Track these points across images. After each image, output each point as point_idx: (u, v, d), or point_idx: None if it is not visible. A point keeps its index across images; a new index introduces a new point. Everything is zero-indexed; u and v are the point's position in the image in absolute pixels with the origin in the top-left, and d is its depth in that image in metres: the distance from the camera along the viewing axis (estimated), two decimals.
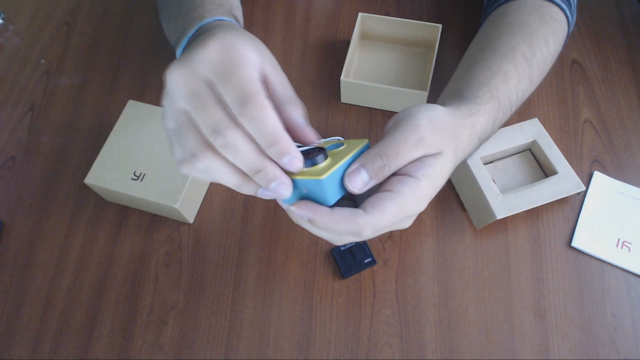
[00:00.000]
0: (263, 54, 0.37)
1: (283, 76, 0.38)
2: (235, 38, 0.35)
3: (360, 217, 0.35)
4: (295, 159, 0.34)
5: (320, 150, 0.37)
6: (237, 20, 0.48)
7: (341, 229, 0.36)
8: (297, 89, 0.67)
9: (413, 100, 0.62)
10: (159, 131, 0.58)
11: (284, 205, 0.38)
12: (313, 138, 0.37)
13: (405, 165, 0.37)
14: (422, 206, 0.37)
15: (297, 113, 0.37)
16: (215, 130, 0.33)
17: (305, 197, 0.37)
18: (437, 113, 0.39)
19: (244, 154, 0.33)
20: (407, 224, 0.40)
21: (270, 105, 0.33)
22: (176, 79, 0.35)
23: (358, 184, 0.36)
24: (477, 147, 0.45)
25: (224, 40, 0.35)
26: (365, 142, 0.39)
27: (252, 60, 0.35)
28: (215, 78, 0.34)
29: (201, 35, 0.39)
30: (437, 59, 0.66)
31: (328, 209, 0.36)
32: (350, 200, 0.41)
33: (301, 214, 0.36)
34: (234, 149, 0.33)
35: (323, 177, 0.34)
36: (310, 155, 0.36)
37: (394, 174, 0.37)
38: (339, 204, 0.38)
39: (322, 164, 0.36)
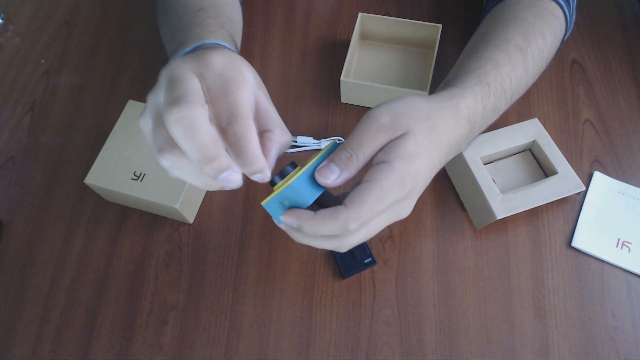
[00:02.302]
0: (259, 82, 0.39)
1: (273, 106, 0.40)
2: (237, 58, 0.37)
3: (341, 212, 0.36)
4: (266, 177, 0.36)
5: (291, 163, 0.39)
6: (236, 45, 0.49)
7: (327, 228, 0.37)
8: (297, 89, 0.68)
9: None
10: None
11: (281, 226, 0.40)
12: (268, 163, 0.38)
13: (378, 154, 0.38)
14: (405, 188, 0.37)
15: (278, 139, 0.38)
16: (176, 101, 0.32)
17: (290, 207, 0.39)
18: (401, 101, 0.40)
19: (200, 135, 0.32)
20: (404, 212, 0.40)
21: (254, 130, 0.35)
22: (168, 71, 0.35)
23: (330, 177, 0.37)
24: (471, 130, 0.44)
25: (228, 57, 0.36)
26: (332, 143, 0.41)
27: (250, 83, 0.37)
28: (211, 87, 0.35)
29: (201, 49, 0.40)
30: (437, 59, 0.66)
31: (311, 212, 0.37)
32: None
33: (288, 222, 0.38)
34: (188, 127, 0.32)
35: (292, 180, 0.36)
36: (281, 170, 0.38)
37: (371, 165, 0.38)
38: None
39: (292, 173, 0.38)
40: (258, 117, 0.39)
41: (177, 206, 0.54)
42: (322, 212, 0.37)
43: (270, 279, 0.56)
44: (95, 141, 0.65)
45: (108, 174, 0.55)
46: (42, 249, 0.59)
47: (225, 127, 0.34)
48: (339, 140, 0.63)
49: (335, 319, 0.54)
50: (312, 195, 0.38)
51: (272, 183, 0.38)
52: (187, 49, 0.45)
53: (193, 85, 0.34)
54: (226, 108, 0.34)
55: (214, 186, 0.36)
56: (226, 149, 0.34)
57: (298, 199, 0.37)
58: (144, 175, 0.55)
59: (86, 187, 0.61)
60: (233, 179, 0.34)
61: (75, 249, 0.58)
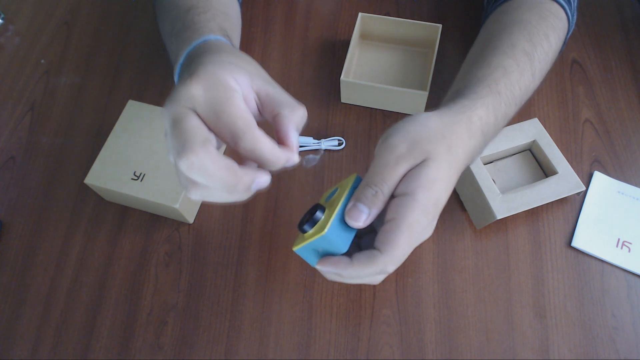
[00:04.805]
0: (251, 70, 0.39)
1: (275, 85, 0.40)
2: (217, 68, 0.37)
3: (377, 258, 0.37)
4: (296, 160, 0.37)
5: (317, 206, 0.39)
6: (227, 34, 0.49)
7: (366, 273, 0.38)
8: (297, 89, 0.68)
9: (413, 100, 0.62)
10: (159, 131, 0.58)
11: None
12: (290, 147, 0.38)
13: (400, 184, 0.38)
14: (429, 216, 0.38)
15: (290, 118, 0.38)
16: (181, 150, 0.34)
17: (324, 253, 0.39)
18: (414, 123, 0.40)
19: (213, 172, 0.34)
20: (427, 234, 0.40)
21: (263, 135, 0.35)
22: (167, 113, 0.36)
23: (360, 218, 0.38)
24: (484, 141, 0.44)
25: (206, 75, 0.36)
26: (354, 177, 0.41)
27: (238, 89, 0.37)
28: (206, 117, 0.35)
29: (189, 66, 0.40)
30: (437, 59, 0.66)
31: (348, 259, 0.38)
32: (373, 232, 0.42)
33: (325, 270, 0.39)
34: (200, 170, 0.34)
35: (325, 232, 0.37)
36: (310, 216, 0.38)
37: (393, 197, 0.38)
38: (365, 240, 0.40)
39: (322, 219, 0.38)
40: (263, 105, 0.39)
41: (177, 206, 0.54)
42: (359, 259, 0.37)
43: (270, 279, 0.56)
44: (95, 141, 0.65)
45: (108, 174, 0.56)
46: (42, 249, 0.59)
47: (234, 147, 0.35)
48: (338, 140, 0.63)
49: (335, 319, 0.54)
50: (346, 241, 0.38)
51: (303, 230, 0.38)
52: (181, 60, 0.45)
53: (191, 124, 0.35)
54: (226, 131, 0.35)
55: (248, 195, 0.37)
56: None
57: (332, 246, 0.38)
58: (144, 175, 0.55)
59: (86, 187, 0.61)
60: (262, 183, 0.36)
61: (75, 249, 0.58)
